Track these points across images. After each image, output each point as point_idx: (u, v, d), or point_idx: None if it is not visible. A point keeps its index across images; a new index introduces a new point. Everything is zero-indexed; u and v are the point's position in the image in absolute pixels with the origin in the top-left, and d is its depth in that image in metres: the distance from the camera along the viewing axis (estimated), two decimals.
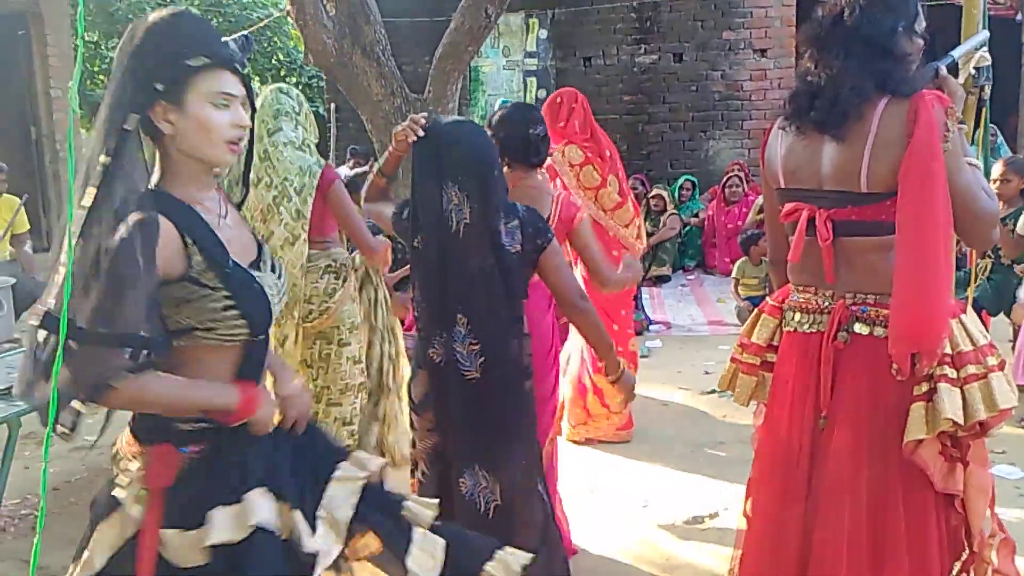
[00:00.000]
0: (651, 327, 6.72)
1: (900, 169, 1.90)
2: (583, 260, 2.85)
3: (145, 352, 1.50)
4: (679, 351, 6.12)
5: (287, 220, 3.31)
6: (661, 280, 8.32)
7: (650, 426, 4.64)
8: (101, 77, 12.91)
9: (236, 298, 1.57)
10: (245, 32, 8.22)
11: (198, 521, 1.57)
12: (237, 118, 1.60)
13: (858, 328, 2.03)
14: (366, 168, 9.44)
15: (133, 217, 1.47)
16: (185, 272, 1.55)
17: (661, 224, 8.41)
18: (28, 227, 6.58)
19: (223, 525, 1.56)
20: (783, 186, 2.13)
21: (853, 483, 1.99)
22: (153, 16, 1.60)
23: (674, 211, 8.60)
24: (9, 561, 3.38)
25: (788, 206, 2.11)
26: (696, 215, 8.92)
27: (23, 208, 6.26)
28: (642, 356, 5.99)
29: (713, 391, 5.17)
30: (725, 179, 8.79)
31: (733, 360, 2.30)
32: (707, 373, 5.55)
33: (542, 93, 10.26)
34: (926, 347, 1.90)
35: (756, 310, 2.29)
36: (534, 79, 10.23)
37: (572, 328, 3.70)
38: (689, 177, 9.25)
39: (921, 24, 2.07)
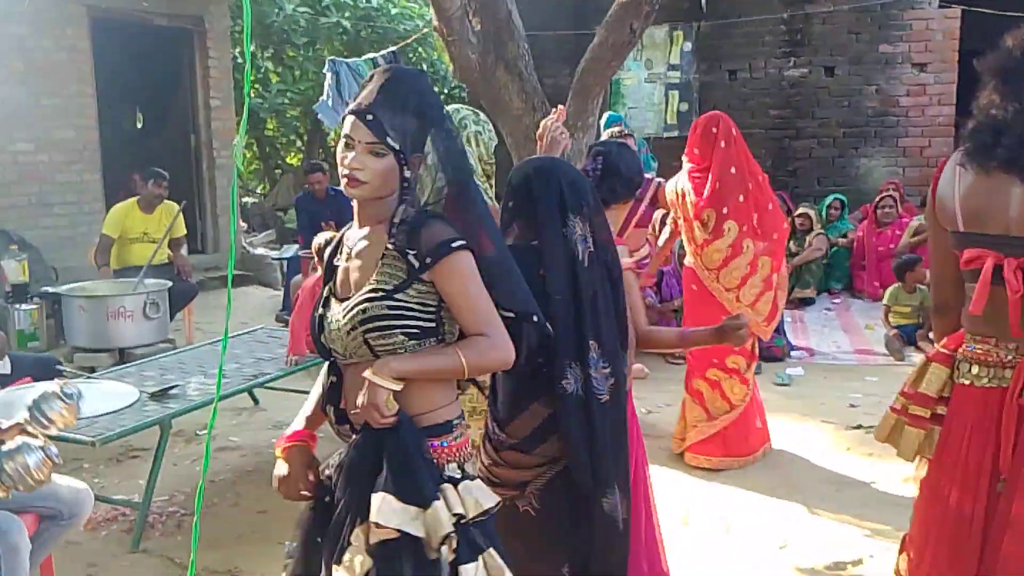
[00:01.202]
0: (793, 353, 6.45)
1: None
2: None
3: None
4: (823, 380, 5.84)
5: None
6: (805, 303, 7.99)
7: (791, 461, 4.44)
8: (257, 87, 13.52)
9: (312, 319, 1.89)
10: (393, 49, 8.46)
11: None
12: (350, 159, 1.77)
13: None
14: None
15: None
16: None
17: (807, 244, 8.09)
18: (185, 232, 6.93)
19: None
20: (962, 230, 1.96)
21: None
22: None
23: (821, 231, 8.26)
24: (157, 558, 3.53)
25: (969, 252, 1.95)
26: (844, 235, 8.53)
27: (181, 214, 6.59)
28: (781, 384, 5.78)
29: (859, 426, 4.91)
30: (878, 199, 8.36)
31: (895, 411, 2.13)
32: (853, 406, 5.27)
33: (684, 106, 10.07)
34: None
35: (925, 358, 2.11)
36: (676, 92, 10.04)
37: None
38: (838, 196, 8.85)
39: None
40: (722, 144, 4.23)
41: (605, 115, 5.09)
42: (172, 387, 3.93)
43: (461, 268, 1.75)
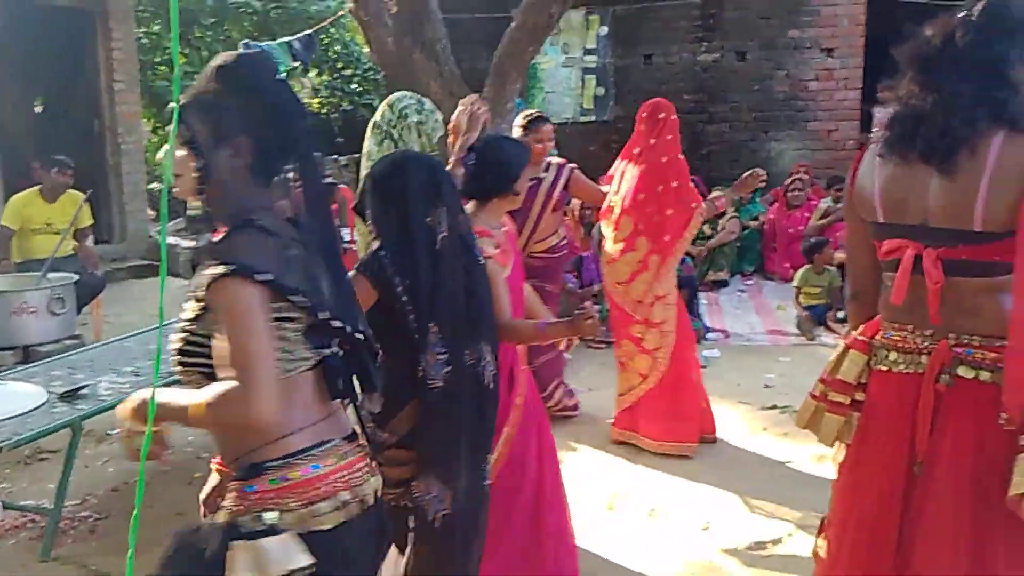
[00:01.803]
0: (708, 335, 6.57)
1: (1020, 207, 1.77)
2: None
3: None
4: (738, 362, 5.98)
5: (361, 241, 3.29)
6: (718, 285, 8.16)
7: (711, 442, 4.53)
8: (162, 68, 13.09)
9: None
10: (308, 32, 8.28)
11: None
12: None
13: (962, 371, 1.91)
14: None
15: None
16: None
17: (720, 227, 8.25)
18: (92, 222, 6.67)
19: None
20: (881, 220, 1.99)
21: (954, 531, 1.89)
22: None
23: (734, 214, 8.42)
24: (70, 565, 3.40)
25: (889, 243, 1.98)
26: (756, 218, 8.72)
27: (87, 203, 6.34)
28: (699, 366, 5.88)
29: (775, 407, 5.05)
30: (789, 182, 8.57)
31: (815, 397, 2.16)
32: (768, 387, 5.42)
33: (600, 91, 10.14)
34: None
35: (843, 346, 2.15)
36: (593, 77, 10.10)
37: None
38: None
39: None
40: (668, 137, 4.34)
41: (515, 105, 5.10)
42: (82, 387, 3.77)
43: (223, 299, 1.51)
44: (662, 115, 4.34)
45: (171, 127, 1.60)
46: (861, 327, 2.15)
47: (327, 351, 1.65)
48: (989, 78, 1.85)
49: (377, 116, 3.46)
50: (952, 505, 1.90)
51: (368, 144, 3.42)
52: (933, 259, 1.89)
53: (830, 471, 3.99)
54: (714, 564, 3.36)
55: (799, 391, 5.17)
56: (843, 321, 6.62)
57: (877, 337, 2.08)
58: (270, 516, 1.55)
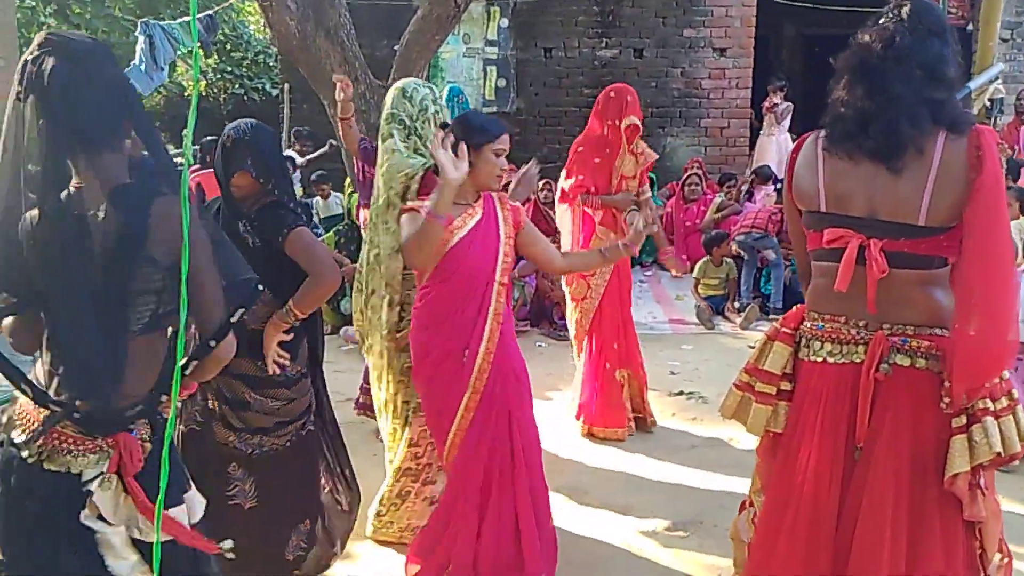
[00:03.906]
0: None
1: (968, 206, 1.89)
2: None
3: None
4: (643, 349, 6.09)
5: (393, 228, 3.18)
6: None
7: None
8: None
9: None
10: (210, 12, 8.02)
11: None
12: None
13: (899, 360, 2.01)
14: (320, 152, 9.25)
15: None
16: None
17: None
18: None
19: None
20: (823, 210, 2.08)
21: (894, 513, 1.98)
22: None
23: (633, 207, 8.59)
24: None
25: (832, 232, 2.06)
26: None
27: None
28: None
29: (681, 392, 5.20)
30: (685, 177, 8.82)
31: (740, 388, 2.23)
32: (673, 374, 5.57)
33: (502, 82, 10.18)
34: (987, 382, 1.91)
35: (765, 336, 2.22)
36: (494, 68, 10.13)
37: None
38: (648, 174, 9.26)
39: (957, 48, 2.06)
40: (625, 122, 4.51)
41: (446, 88, 5.06)
42: None
43: None
44: (629, 98, 4.58)
45: None
46: (783, 318, 2.22)
47: None
48: (929, 79, 1.97)
49: (395, 108, 3.28)
50: (892, 487, 1.99)
51: (393, 140, 3.26)
52: (879, 249, 1.97)
53: (740, 455, 4.18)
54: (632, 546, 3.43)
55: (704, 378, 5.44)
56: (740, 311, 6.87)
57: (804, 329, 2.15)
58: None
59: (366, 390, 4.26)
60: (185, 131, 1.55)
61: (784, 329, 2.18)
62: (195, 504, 1.87)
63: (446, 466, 2.91)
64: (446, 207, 2.60)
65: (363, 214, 4.46)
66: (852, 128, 2.00)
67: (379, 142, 3.32)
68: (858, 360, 2.04)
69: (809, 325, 2.14)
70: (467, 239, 2.76)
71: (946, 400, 1.94)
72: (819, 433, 2.08)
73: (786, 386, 2.16)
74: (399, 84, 3.41)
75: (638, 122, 4.44)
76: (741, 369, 2.27)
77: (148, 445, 1.77)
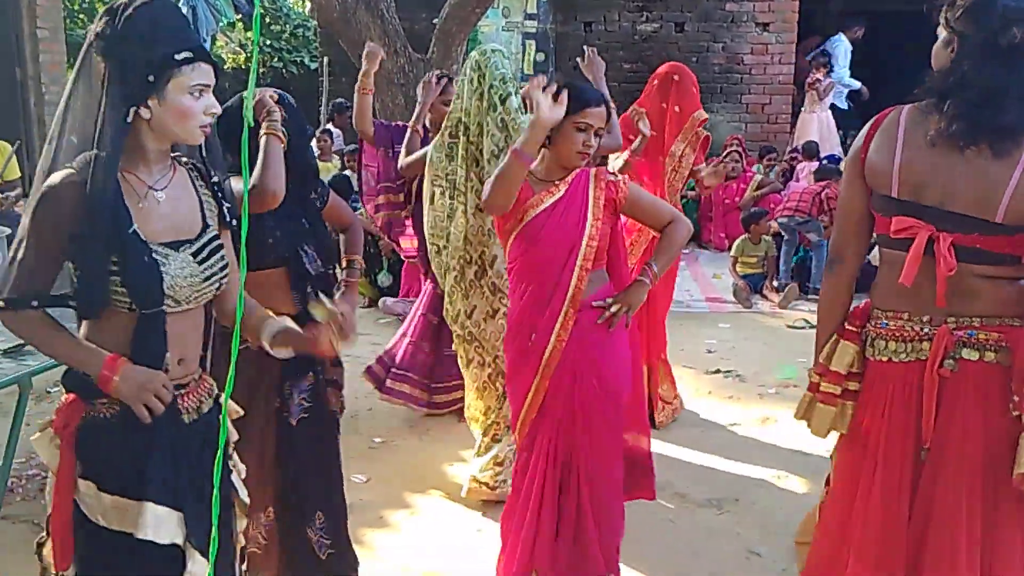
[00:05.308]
0: None
1: None
2: None
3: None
4: (680, 328, 6.08)
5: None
6: None
7: None
8: (82, 17, 12.55)
9: (120, 265, 1.69)
10: None
11: (118, 485, 1.73)
12: (209, 105, 1.75)
13: (966, 354, 1.93)
14: None
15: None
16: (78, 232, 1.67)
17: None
18: (20, 174, 6.40)
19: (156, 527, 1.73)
20: (895, 196, 1.96)
21: (968, 520, 1.92)
22: (132, 5, 1.70)
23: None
24: (21, 524, 3.31)
25: (900, 220, 1.95)
26: (693, 188, 8.85)
27: (15, 155, 6.08)
28: None
29: (718, 371, 5.19)
30: (724, 154, 8.72)
31: (810, 388, 2.16)
32: (710, 352, 5.56)
33: (540, 56, 10.13)
34: None
35: (835, 336, 2.12)
36: (533, 42, 10.08)
37: None
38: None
39: None
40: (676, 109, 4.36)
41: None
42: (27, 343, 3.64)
43: None
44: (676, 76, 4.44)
45: None
46: (850, 315, 2.13)
47: None
48: None
49: (502, 68, 3.33)
50: (964, 489, 1.92)
51: (513, 100, 3.28)
52: (948, 244, 1.88)
53: (776, 434, 4.16)
54: (667, 523, 3.45)
55: (741, 356, 5.43)
56: (779, 290, 6.82)
57: (870, 327, 2.07)
58: None
59: (384, 362, 4.30)
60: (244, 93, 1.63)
61: (850, 328, 2.10)
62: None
63: (517, 444, 2.81)
64: (533, 148, 2.46)
65: (369, 208, 4.45)
66: (974, 105, 1.86)
67: (494, 105, 3.30)
68: (923, 357, 1.96)
69: (874, 323, 2.07)
70: (542, 217, 2.59)
71: (1015, 399, 1.86)
72: (885, 435, 2.01)
73: (853, 386, 2.09)
74: (491, 47, 3.41)
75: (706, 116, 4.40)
76: (811, 369, 2.19)
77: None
